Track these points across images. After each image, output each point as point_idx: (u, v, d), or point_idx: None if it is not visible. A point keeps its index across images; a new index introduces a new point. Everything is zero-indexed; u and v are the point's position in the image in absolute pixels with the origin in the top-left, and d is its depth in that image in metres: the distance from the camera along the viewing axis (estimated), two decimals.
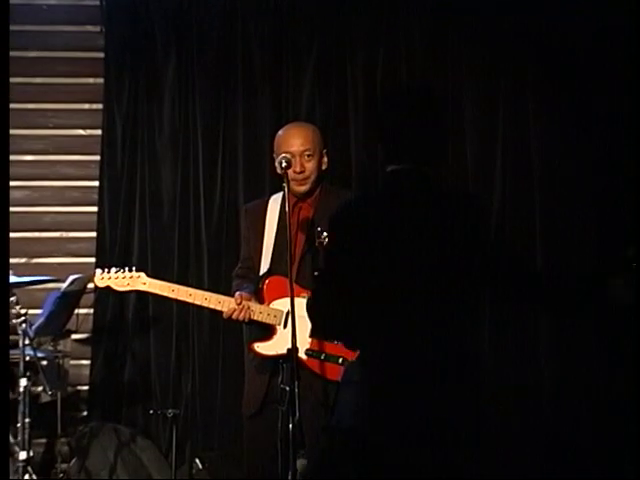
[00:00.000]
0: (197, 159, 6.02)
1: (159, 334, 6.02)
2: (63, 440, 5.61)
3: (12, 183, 5.92)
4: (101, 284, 4.48)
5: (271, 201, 4.59)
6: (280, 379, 4.07)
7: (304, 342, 4.21)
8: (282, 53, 6.01)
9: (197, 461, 5.42)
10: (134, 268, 4.49)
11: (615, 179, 5.90)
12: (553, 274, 5.85)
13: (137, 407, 6.00)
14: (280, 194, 4.49)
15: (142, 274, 4.44)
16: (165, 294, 4.42)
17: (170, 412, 5.34)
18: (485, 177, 5.96)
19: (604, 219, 5.90)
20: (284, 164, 4.24)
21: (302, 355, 4.19)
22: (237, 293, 4.38)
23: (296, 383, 3.90)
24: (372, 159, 5.90)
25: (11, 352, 5.18)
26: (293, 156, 4.38)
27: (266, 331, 4.37)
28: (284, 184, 4.20)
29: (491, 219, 5.47)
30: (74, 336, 5.95)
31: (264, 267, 4.45)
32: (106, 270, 4.47)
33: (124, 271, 4.45)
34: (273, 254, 4.47)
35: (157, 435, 5.91)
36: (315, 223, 4.41)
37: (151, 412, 5.77)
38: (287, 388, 3.93)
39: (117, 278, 4.44)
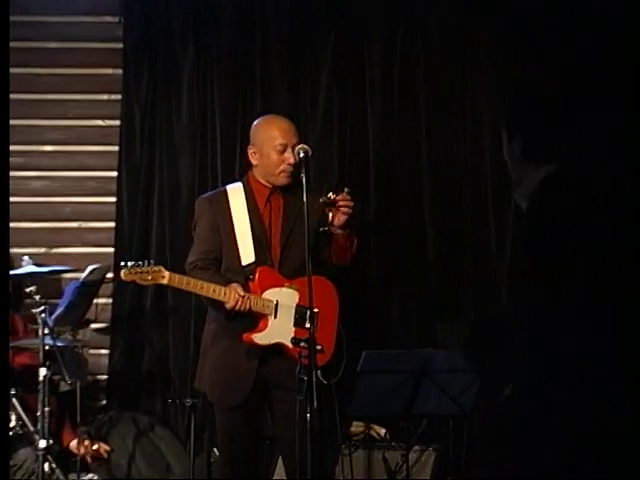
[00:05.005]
0: (215, 149, 6.06)
1: (177, 324, 6.05)
2: (83, 429, 5.56)
3: (32, 173, 6.17)
4: (127, 279, 4.43)
5: (229, 192, 4.62)
6: (298, 369, 4.13)
7: (289, 331, 4.38)
8: (299, 45, 6.10)
9: (215, 450, 5.33)
10: (152, 261, 4.45)
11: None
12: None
13: (155, 396, 6.03)
14: (236, 185, 4.61)
15: (161, 268, 4.42)
16: (181, 287, 4.43)
17: (188, 401, 5.34)
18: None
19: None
20: (302, 154, 4.27)
21: (288, 343, 4.36)
22: (234, 284, 4.39)
23: (314, 372, 4.01)
24: (389, 151, 5.97)
25: (31, 341, 5.35)
26: (286, 148, 4.47)
27: (247, 322, 4.43)
28: (302, 174, 4.23)
29: None
30: (93, 325, 5.97)
31: (248, 257, 4.48)
32: (129, 264, 4.41)
33: (144, 265, 4.41)
34: (254, 244, 4.51)
35: (175, 424, 5.96)
36: (286, 214, 4.55)
37: (169, 401, 5.81)
38: (305, 378, 4.02)
39: (141, 272, 4.40)
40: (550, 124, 5.77)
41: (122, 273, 4.36)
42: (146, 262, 4.40)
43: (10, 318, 5.67)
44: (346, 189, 4.47)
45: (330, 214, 4.47)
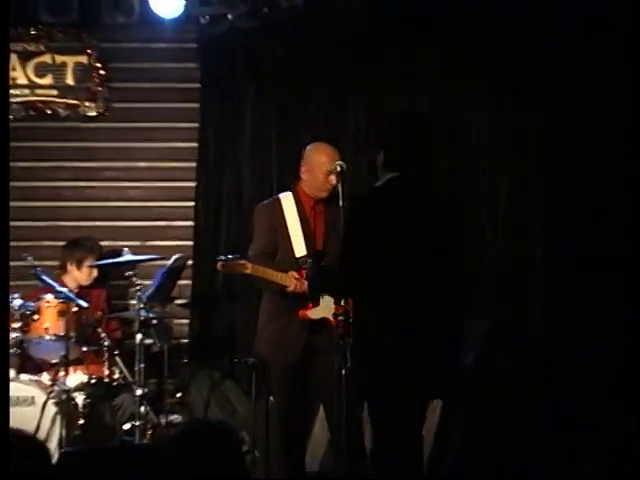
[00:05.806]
0: (271, 164, 6.65)
1: (242, 300, 6.54)
2: (169, 381, 6.08)
3: (130, 184, 6.77)
4: (222, 270, 4.95)
5: (282, 199, 5.15)
6: (336, 336, 4.56)
7: (331, 308, 4.79)
8: (334, 84, 6.69)
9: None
10: (238, 255, 4.92)
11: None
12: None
13: (225, 356, 6.52)
14: (287, 194, 5.16)
15: (246, 261, 4.88)
16: (257, 274, 4.97)
17: (250, 360, 5.64)
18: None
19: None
20: (338, 168, 4.86)
21: (330, 317, 4.80)
22: (292, 272, 4.98)
23: (347, 339, 4.49)
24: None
25: (127, 313, 6.05)
26: (331, 172, 5.02)
27: (295, 303, 5.05)
28: (338, 184, 4.80)
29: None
30: (177, 301, 6.39)
31: (300, 251, 5.04)
32: (222, 258, 4.90)
33: (233, 259, 4.87)
34: (305, 241, 5.05)
35: (241, 378, 6.40)
36: (327, 217, 5.12)
37: (236, 360, 6.31)
38: (341, 342, 4.50)
39: (231, 265, 4.87)
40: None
41: (218, 265, 4.93)
42: (234, 256, 4.93)
43: (99, 293, 6.29)
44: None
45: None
